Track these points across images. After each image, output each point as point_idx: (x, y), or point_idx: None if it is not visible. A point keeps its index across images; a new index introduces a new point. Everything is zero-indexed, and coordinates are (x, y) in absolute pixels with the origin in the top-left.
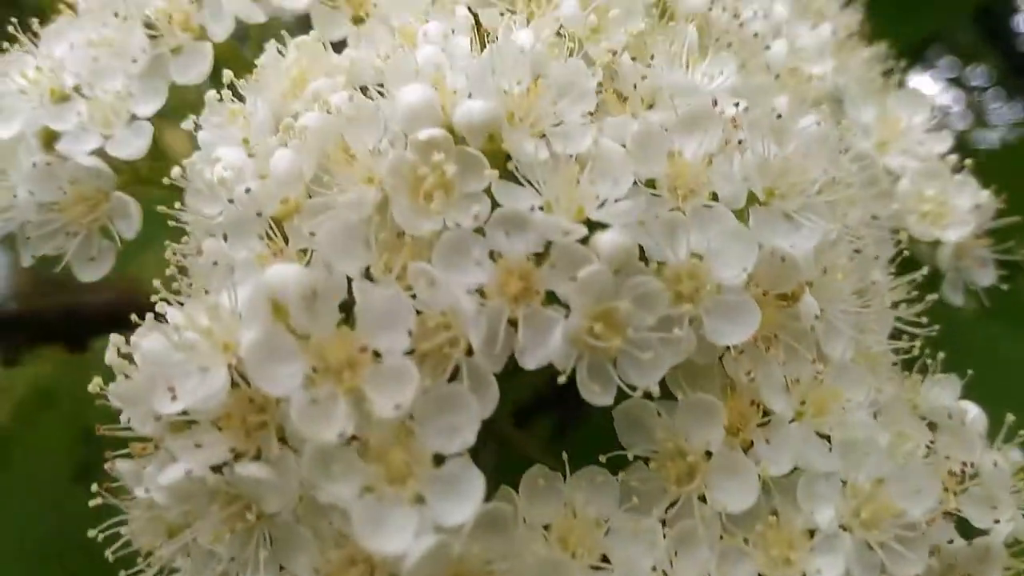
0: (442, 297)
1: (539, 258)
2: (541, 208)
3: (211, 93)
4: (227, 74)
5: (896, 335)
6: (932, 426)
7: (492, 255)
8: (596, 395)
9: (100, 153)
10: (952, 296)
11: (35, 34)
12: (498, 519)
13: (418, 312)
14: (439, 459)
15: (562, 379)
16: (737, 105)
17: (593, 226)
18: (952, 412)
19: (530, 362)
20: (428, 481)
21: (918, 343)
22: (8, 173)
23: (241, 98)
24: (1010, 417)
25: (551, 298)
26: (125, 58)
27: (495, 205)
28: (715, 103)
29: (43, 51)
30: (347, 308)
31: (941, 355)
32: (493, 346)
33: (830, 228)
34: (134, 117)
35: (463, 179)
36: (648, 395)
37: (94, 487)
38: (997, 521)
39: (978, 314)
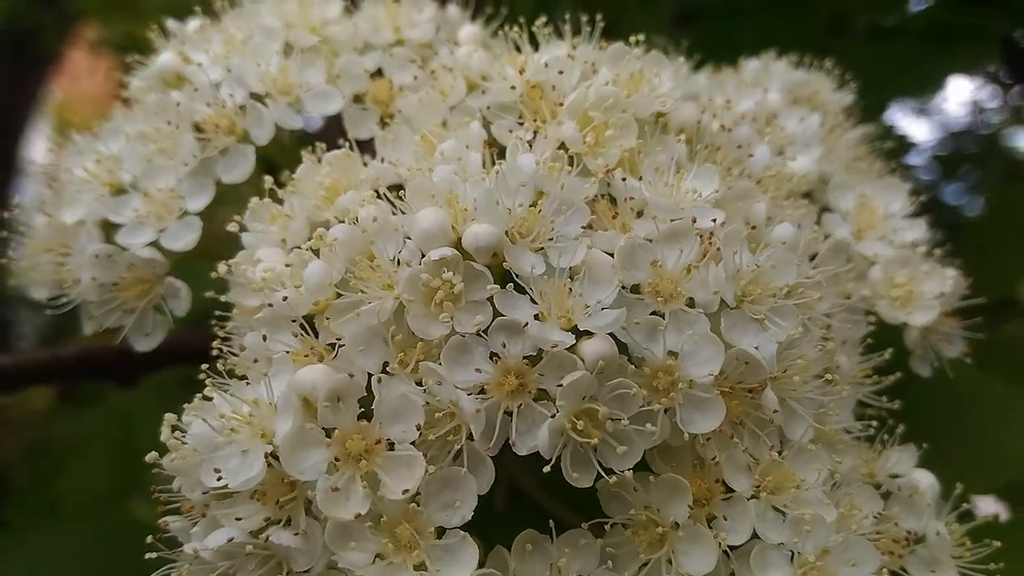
0: (447, 393)
1: (533, 359)
2: (537, 316)
3: (254, 199)
4: (267, 179)
5: (865, 406)
6: (888, 494)
7: (493, 355)
8: (577, 480)
9: (155, 244)
10: (921, 369)
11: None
12: None
13: (428, 403)
14: (441, 531)
15: (547, 468)
16: (715, 220)
17: (582, 332)
18: (902, 485)
19: (522, 449)
20: (430, 550)
21: (875, 424)
22: (71, 255)
23: (280, 201)
24: (959, 487)
25: (543, 392)
26: (176, 160)
27: (498, 313)
28: (694, 220)
29: (101, 147)
30: (366, 402)
31: (901, 428)
32: (490, 435)
33: (795, 329)
34: (185, 212)
35: (469, 291)
36: None
37: (148, 539)
38: None
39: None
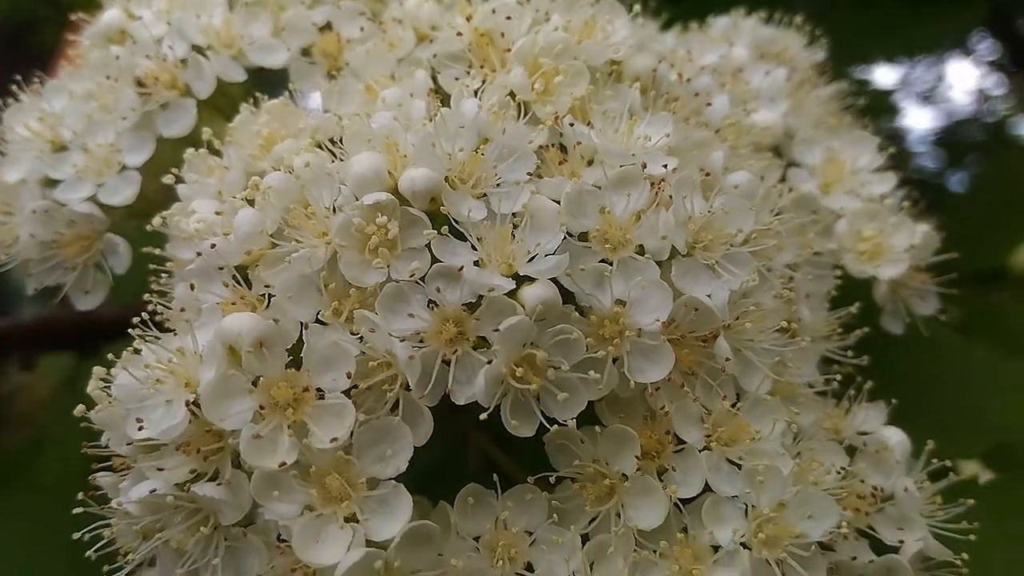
0: (381, 342)
1: (473, 306)
2: (477, 263)
3: (189, 150)
4: (206, 131)
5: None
6: (852, 450)
7: (431, 303)
8: (516, 428)
9: (93, 199)
10: (892, 326)
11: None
12: (424, 535)
13: (363, 353)
14: (373, 482)
15: (483, 416)
16: (666, 166)
17: (524, 279)
18: (869, 441)
19: (460, 399)
20: (363, 502)
21: (839, 378)
22: (12, 213)
23: (219, 153)
24: (930, 444)
25: (483, 340)
26: (116, 115)
27: (436, 259)
28: (644, 166)
29: (45, 104)
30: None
31: (869, 384)
32: (426, 383)
33: (750, 276)
34: (124, 167)
35: (405, 237)
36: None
37: (79, 495)
38: (902, 542)
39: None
